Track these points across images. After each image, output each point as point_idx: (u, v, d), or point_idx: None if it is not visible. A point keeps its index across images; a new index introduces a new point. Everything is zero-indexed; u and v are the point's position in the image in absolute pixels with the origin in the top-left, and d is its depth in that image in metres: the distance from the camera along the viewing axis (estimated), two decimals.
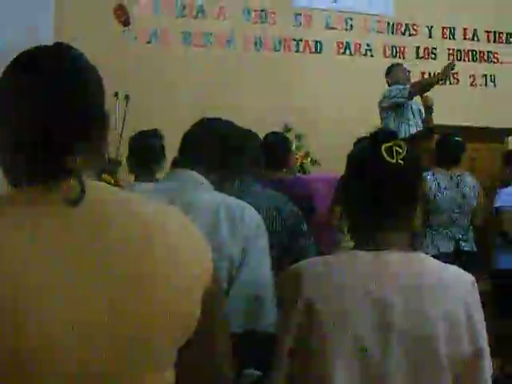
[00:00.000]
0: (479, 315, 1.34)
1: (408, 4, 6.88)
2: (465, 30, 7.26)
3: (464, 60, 7.22)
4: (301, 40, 6.72)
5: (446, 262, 1.40)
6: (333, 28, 6.81)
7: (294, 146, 5.23)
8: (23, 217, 0.86)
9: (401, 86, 5.30)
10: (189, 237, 0.97)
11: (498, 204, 4.24)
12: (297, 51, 6.71)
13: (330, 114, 6.28)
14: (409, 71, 5.71)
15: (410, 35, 7.08)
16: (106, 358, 0.84)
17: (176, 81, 5.96)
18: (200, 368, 0.98)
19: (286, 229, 2.34)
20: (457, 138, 4.12)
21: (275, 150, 3.16)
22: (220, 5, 6.41)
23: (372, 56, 6.89)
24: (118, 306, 0.85)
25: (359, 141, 1.53)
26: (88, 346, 0.83)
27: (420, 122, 5.39)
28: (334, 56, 6.76)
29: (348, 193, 1.48)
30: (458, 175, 4.08)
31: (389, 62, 6.15)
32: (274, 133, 3.48)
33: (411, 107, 5.37)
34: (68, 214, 0.87)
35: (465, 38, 7.28)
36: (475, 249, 4.07)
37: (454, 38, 7.24)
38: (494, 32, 7.38)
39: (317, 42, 6.75)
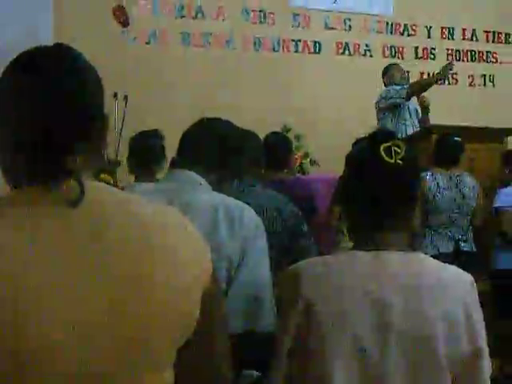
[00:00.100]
0: (478, 315, 1.34)
1: (408, 4, 6.88)
2: (464, 30, 7.27)
3: (463, 60, 7.23)
4: (300, 40, 6.72)
5: (445, 263, 1.40)
6: (332, 28, 6.81)
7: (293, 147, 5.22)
8: (23, 217, 0.86)
9: (398, 87, 5.30)
10: (188, 237, 0.97)
11: (497, 204, 4.24)
12: (296, 51, 6.71)
13: (329, 114, 6.29)
14: (407, 71, 5.71)
15: (408, 35, 7.08)
16: (105, 358, 0.85)
17: (175, 81, 5.96)
18: (199, 368, 0.98)
19: (286, 229, 2.33)
20: (456, 138, 4.12)
21: (276, 150, 3.15)
22: (219, 5, 6.41)
23: (371, 56, 6.89)
24: (117, 307, 0.85)
25: (358, 141, 1.53)
26: (88, 346, 0.83)
27: (417, 122, 5.39)
28: (332, 56, 6.76)
29: (347, 193, 1.48)
30: (458, 175, 4.08)
31: (388, 62, 6.14)
32: (275, 133, 3.46)
33: (408, 107, 5.37)
34: (68, 215, 0.87)
35: (464, 38, 7.29)
36: (475, 249, 4.08)
37: (452, 38, 7.25)
38: (493, 32, 7.39)
39: (316, 42, 6.75)
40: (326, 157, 5.68)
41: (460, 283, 1.35)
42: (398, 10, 6.95)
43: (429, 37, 7.15)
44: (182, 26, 6.32)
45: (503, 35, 7.44)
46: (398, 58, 6.89)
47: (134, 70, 5.82)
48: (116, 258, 0.87)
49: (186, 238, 0.96)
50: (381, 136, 1.40)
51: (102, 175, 2.91)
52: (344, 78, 6.43)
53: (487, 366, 1.33)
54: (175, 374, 0.94)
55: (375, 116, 5.39)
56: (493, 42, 7.40)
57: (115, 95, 4.96)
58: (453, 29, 7.23)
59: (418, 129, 5.27)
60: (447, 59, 6.81)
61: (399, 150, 1.36)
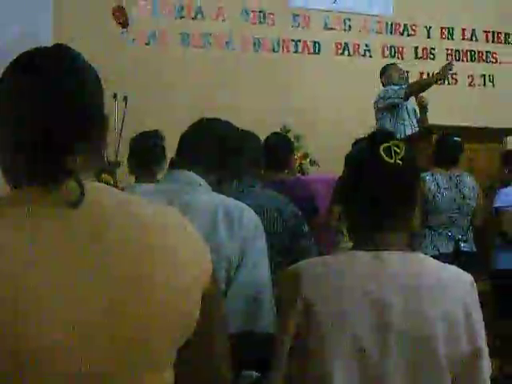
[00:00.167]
0: (478, 315, 1.34)
1: (407, 4, 6.88)
2: (463, 30, 7.27)
3: (462, 60, 7.23)
4: (299, 41, 6.72)
5: (445, 263, 1.40)
6: (331, 28, 6.81)
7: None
8: (23, 217, 0.86)
9: (396, 87, 5.30)
10: (187, 238, 0.97)
11: (497, 204, 4.24)
12: (295, 52, 6.71)
13: (328, 114, 6.29)
14: (407, 71, 5.71)
15: (408, 35, 7.08)
16: (105, 359, 0.85)
17: (174, 82, 5.96)
18: (198, 369, 0.99)
19: (286, 230, 2.34)
20: (455, 138, 4.12)
21: (277, 150, 3.15)
22: (218, 6, 6.41)
23: (371, 56, 6.89)
24: (117, 307, 0.85)
25: (357, 142, 1.53)
26: (88, 347, 0.83)
27: (415, 122, 5.39)
28: (332, 57, 6.76)
29: (346, 193, 1.48)
30: (457, 175, 4.08)
31: (387, 62, 6.13)
32: (275, 133, 3.47)
33: (406, 107, 5.36)
34: (68, 216, 0.87)
35: (463, 38, 7.29)
36: (475, 249, 4.08)
37: (452, 39, 7.25)
38: (493, 32, 7.39)
39: (315, 42, 6.75)
40: (325, 157, 5.68)
41: (460, 283, 1.35)
42: (397, 10, 6.95)
43: (428, 37, 7.15)
44: (182, 26, 6.32)
45: (503, 35, 7.44)
46: (398, 58, 6.89)
47: (134, 71, 5.82)
48: (116, 258, 0.87)
49: (185, 239, 0.96)
50: (380, 136, 1.40)
51: (103, 175, 2.91)
52: (343, 79, 6.43)
53: (487, 366, 1.33)
54: (175, 374, 0.94)
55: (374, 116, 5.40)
56: (492, 42, 7.40)
57: (115, 96, 4.96)
58: (452, 29, 7.23)
59: (417, 129, 5.27)
60: (447, 59, 6.81)
61: (399, 150, 1.36)
